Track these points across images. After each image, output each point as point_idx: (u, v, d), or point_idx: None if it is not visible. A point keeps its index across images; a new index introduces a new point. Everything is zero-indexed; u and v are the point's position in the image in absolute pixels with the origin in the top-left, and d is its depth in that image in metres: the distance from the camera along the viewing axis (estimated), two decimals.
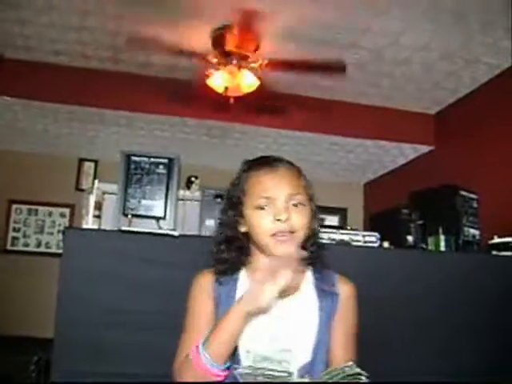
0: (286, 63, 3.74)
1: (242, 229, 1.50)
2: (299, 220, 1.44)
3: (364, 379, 1.20)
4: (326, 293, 1.51)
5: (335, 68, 3.75)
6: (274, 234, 1.42)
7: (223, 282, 1.49)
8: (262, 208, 1.44)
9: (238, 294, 1.46)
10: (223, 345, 1.34)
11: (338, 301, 1.50)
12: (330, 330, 1.47)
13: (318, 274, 1.54)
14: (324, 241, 1.66)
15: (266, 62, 3.71)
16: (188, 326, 1.49)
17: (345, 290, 1.53)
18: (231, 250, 1.51)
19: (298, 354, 1.42)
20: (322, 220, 1.63)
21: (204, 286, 1.50)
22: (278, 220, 1.41)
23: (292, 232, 1.42)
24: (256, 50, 3.77)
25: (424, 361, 2.11)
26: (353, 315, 1.56)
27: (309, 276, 1.53)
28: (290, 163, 1.56)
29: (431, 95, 4.61)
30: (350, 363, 1.27)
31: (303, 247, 1.47)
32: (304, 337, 1.44)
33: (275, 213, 1.42)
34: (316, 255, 1.53)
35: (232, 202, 1.53)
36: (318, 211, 1.56)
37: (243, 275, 1.50)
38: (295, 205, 1.45)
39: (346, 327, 1.53)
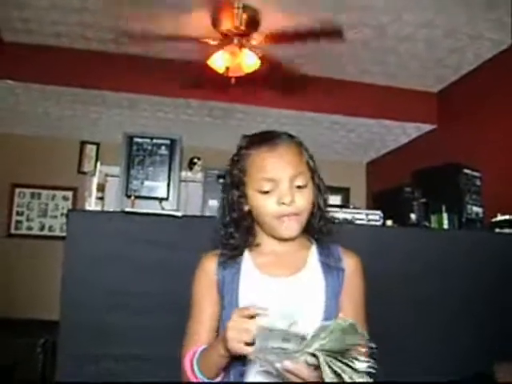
0: (283, 35, 3.69)
1: (246, 208, 1.48)
2: (303, 201, 1.43)
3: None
4: (331, 268, 1.50)
5: (332, 33, 3.71)
6: (278, 216, 1.41)
7: (227, 265, 1.48)
8: (265, 191, 1.43)
9: (242, 276, 1.46)
10: (213, 365, 1.34)
11: (343, 276, 1.50)
12: (337, 306, 1.47)
13: (323, 250, 1.53)
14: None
15: (264, 35, 3.68)
16: (192, 314, 1.50)
17: (350, 264, 1.52)
18: (239, 233, 1.50)
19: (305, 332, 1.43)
20: (328, 192, 1.60)
21: (207, 271, 1.50)
22: (283, 203, 1.40)
23: (296, 214, 1.43)
24: (256, 28, 3.74)
25: (424, 339, 2.13)
26: (360, 290, 1.55)
27: (314, 252, 1.52)
28: (291, 136, 1.53)
29: (434, 73, 4.58)
30: (340, 316, 1.23)
31: (309, 223, 1.48)
32: (311, 314, 1.44)
33: (279, 196, 1.41)
34: (322, 230, 1.53)
35: (234, 182, 1.51)
36: (323, 184, 1.55)
37: (247, 257, 1.50)
38: (298, 186, 1.43)
39: (354, 303, 1.52)
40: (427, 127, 5.08)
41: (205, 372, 1.35)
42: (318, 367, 1.12)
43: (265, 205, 1.42)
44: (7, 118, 5.26)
